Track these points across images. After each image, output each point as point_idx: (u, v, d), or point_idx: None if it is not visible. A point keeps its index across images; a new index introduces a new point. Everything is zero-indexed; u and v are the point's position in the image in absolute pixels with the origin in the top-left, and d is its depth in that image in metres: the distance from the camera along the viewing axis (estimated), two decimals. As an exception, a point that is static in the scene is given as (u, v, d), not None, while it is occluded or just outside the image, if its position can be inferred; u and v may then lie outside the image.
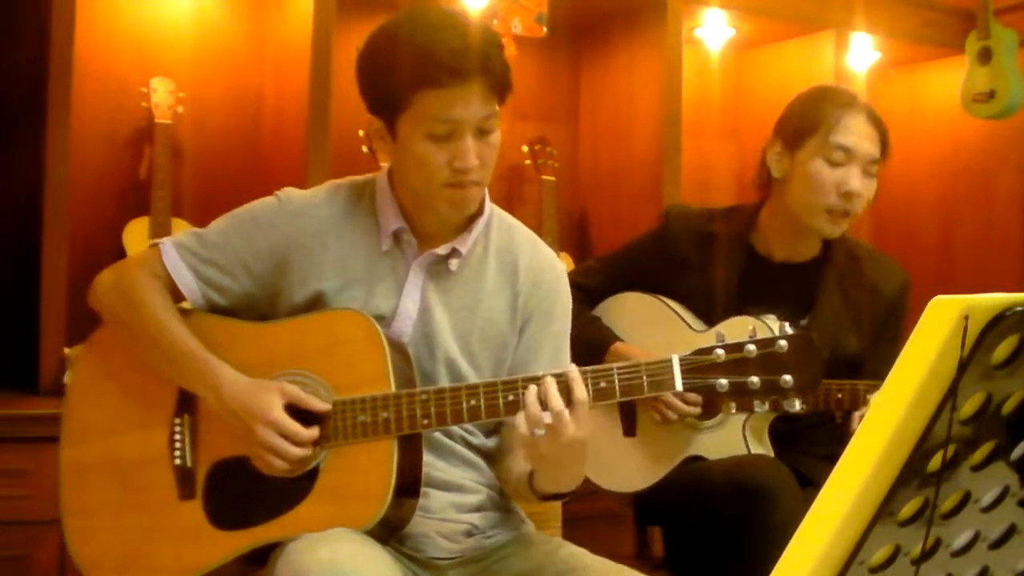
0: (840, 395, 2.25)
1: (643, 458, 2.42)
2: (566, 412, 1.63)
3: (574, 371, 1.66)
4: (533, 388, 1.66)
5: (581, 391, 1.65)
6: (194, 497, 1.81)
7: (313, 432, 1.74)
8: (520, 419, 1.65)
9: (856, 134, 2.32)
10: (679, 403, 2.32)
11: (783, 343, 1.63)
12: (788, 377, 1.63)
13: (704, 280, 2.40)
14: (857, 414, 2.19)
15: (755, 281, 2.38)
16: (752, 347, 1.64)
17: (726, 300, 2.35)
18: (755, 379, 1.64)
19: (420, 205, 1.83)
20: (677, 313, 2.41)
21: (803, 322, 2.33)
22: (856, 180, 2.30)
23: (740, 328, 2.17)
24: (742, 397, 1.66)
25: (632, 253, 2.55)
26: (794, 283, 2.39)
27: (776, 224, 2.41)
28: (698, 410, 2.33)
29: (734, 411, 1.73)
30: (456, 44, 1.71)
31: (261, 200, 1.89)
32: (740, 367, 1.64)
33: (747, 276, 2.39)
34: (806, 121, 2.35)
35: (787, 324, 1.66)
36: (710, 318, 2.35)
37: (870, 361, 2.34)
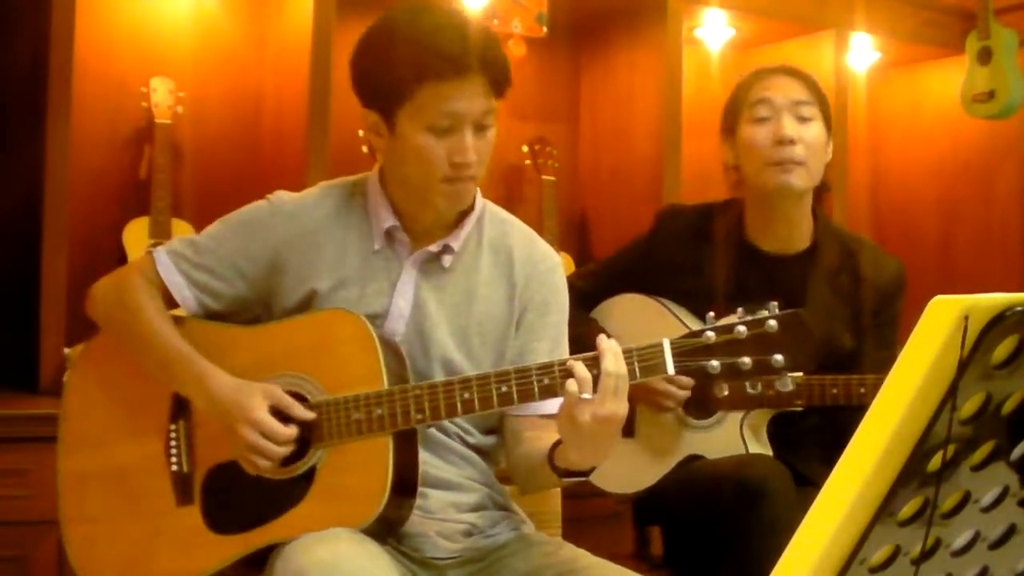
0: (835, 390, 2.27)
1: (642, 458, 2.42)
2: (613, 379, 1.62)
3: (614, 346, 1.65)
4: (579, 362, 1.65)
5: (621, 365, 1.64)
6: (192, 502, 1.81)
7: (292, 430, 1.74)
8: (570, 384, 1.63)
9: (772, 86, 2.38)
10: (672, 388, 2.32)
11: (773, 323, 1.63)
12: (779, 356, 1.62)
13: (700, 278, 2.40)
14: None
15: (750, 276, 2.38)
16: (742, 328, 1.64)
17: (722, 297, 2.35)
18: (746, 359, 1.63)
19: (414, 201, 1.83)
20: (672, 312, 2.41)
21: None
22: (787, 126, 2.33)
23: None
24: (734, 378, 1.66)
25: (627, 256, 2.56)
26: (787, 277, 2.38)
27: (755, 212, 2.42)
28: (688, 393, 2.32)
29: (726, 393, 1.73)
30: (458, 38, 1.74)
31: (252, 204, 1.91)
32: (731, 348, 1.64)
33: (742, 271, 2.39)
34: (733, 102, 2.44)
35: (775, 304, 1.66)
36: (706, 315, 2.35)
37: (869, 348, 2.35)
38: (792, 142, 2.32)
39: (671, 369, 1.66)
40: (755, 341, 1.63)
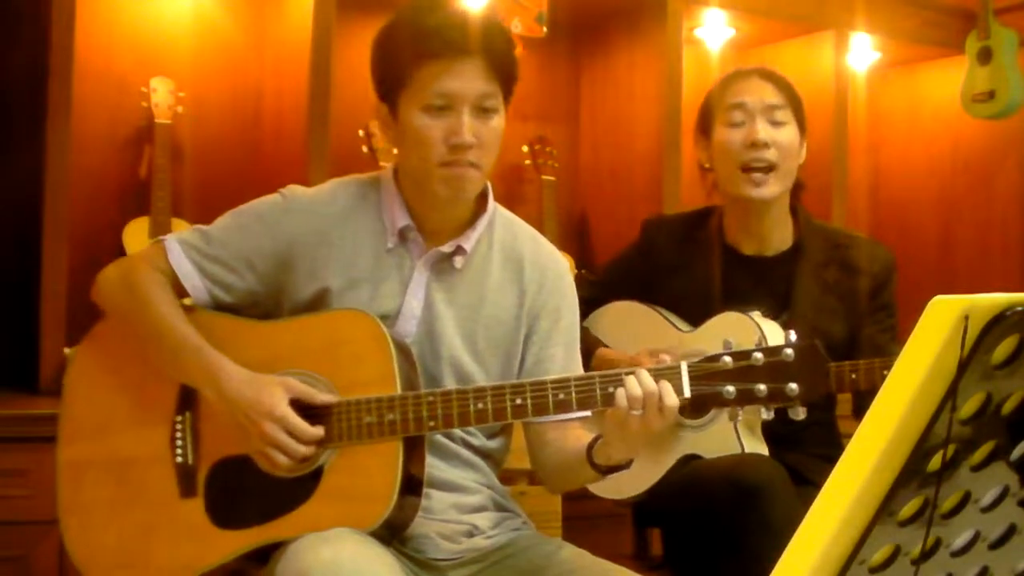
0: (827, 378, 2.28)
1: (638, 462, 2.42)
2: (655, 397, 1.65)
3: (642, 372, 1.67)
4: (632, 377, 1.66)
5: (650, 384, 1.67)
6: (195, 495, 1.81)
7: (318, 431, 1.73)
8: (620, 397, 1.65)
9: (746, 90, 2.40)
10: None
11: (790, 352, 1.64)
12: (794, 386, 1.63)
13: (688, 282, 2.42)
14: None
15: (735, 279, 2.41)
16: (759, 355, 1.65)
17: (710, 300, 2.37)
18: (762, 387, 1.64)
19: (423, 195, 1.83)
20: (663, 316, 2.43)
21: (783, 316, 2.34)
22: (761, 130, 2.35)
23: (725, 324, 2.16)
24: (748, 403, 1.66)
25: (619, 265, 2.60)
26: (772, 277, 2.41)
27: (733, 216, 2.45)
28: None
29: (740, 417, 1.73)
30: (456, 22, 1.76)
31: (266, 197, 1.90)
32: (747, 375, 1.65)
33: (727, 274, 2.41)
34: (708, 105, 2.47)
35: (792, 332, 1.67)
36: (696, 318, 2.37)
37: (866, 336, 2.36)
38: (766, 146, 2.35)
39: (687, 392, 1.67)
40: (771, 368, 1.64)
